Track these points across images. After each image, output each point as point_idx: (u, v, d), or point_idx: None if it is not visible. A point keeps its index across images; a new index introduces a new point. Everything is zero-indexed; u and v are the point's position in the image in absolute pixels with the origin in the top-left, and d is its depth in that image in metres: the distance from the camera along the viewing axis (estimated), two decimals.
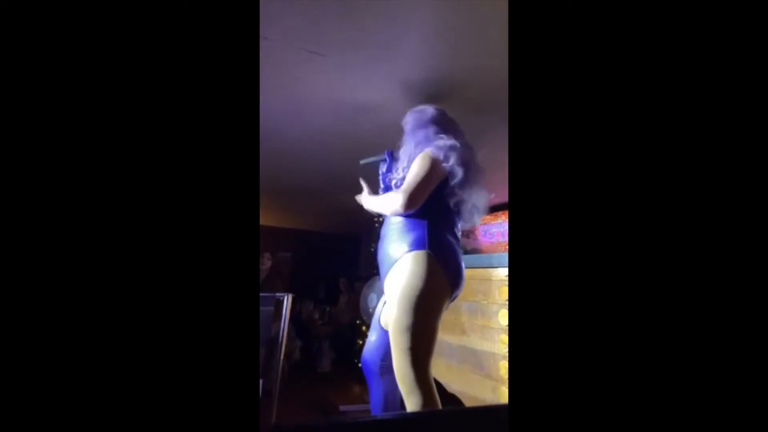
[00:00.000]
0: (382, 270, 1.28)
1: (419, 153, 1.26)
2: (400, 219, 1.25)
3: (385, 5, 1.04)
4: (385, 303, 1.35)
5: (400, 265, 1.20)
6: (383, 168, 1.40)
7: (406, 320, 1.13)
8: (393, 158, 1.39)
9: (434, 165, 1.22)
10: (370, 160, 1.38)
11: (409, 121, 1.39)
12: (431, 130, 1.33)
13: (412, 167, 1.23)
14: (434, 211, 1.25)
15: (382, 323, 1.35)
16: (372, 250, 1.38)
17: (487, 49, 1.22)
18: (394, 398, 1.32)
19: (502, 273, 1.82)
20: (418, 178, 1.19)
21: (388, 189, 1.39)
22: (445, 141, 1.27)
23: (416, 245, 1.20)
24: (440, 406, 1.15)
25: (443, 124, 1.36)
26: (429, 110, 1.39)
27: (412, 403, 1.12)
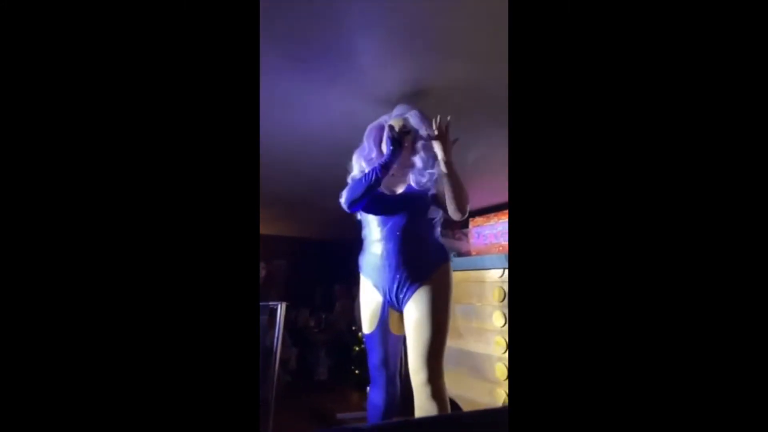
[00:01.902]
0: (402, 279, 1.25)
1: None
2: (417, 230, 1.29)
3: (375, 12, 1.04)
4: (389, 307, 1.32)
5: (436, 279, 1.25)
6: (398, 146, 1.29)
7: (437, 327, 1.21)
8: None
9: None
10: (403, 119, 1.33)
11: (425, 125, 1.35)
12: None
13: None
14: (436, 220, 1.36)
15: (392, 330, 1.34)
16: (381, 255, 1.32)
17: (477, 53, 1.23)
18: (395, 400, 1.35)
19: (496, 275, 1.83)
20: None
21: (391, 169, 1.30)
22: None
23: (446, 254, 1.33)
24: (447, 399, 1.21)
25: None
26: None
27: (426, 393, 1.17)
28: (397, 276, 1.25)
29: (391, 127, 1.30)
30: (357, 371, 3.16)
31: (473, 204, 3.08)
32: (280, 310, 2.03)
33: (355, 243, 1.44)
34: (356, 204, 1.31)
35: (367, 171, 1.29)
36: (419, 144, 1.34)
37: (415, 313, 1.22)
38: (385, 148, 1.31)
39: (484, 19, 1.06)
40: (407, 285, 1.24)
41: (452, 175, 1.26)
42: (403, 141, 1.29)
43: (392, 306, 1.31)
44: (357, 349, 3.25)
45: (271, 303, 2.06)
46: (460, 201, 1.27)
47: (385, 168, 1.26)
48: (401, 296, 1.26)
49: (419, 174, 1.33)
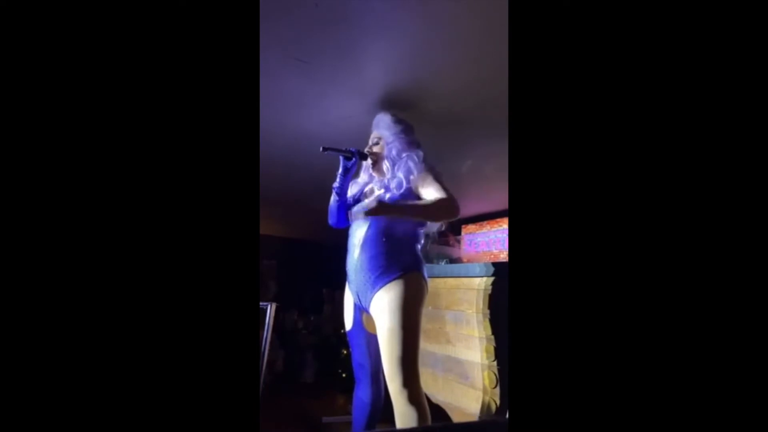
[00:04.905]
0: (365, 282, 1.30)
1: (422, 167, 1.33)
2: (388, 236, 1.29)
3: (376, 17, 1.05)
4: (361, 309, 1.37)
5: (396, 285, 1.24)
6: (346, 164, 1.38)
7: (403, 332, 1.20)
8: (360, 158, 1.40)
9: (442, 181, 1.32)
10: (334, 151, 1.34)
11: (397, 129, 1.41)
12: (415, 143, 1.40)
13: (430, 180, 1.30)
14: (419, 231, 1.35)
15: (368, 329, 1.38)
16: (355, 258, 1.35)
17: (475, 62, 1.24)
18: (380, 397, 1.38)
19: (486, 282, 1.83)
20: (444, 189, 1.27)
21: (346, 185, 1.41)
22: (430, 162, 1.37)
23: (411, 267, 1.28)
24: (426, 402, 1.21)
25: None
26: (409, 122, 1.44)
27: (403, 398, 1.17)
28: (360, 279, 1.30)
29: (327, 149, 1.34)
30: (344, 375, 3.15)
31: (466, 212, 3.10)
32: (270, 310, 2.01)
33: (345, 246, 1.45)
34: (336, 222, 1.45)
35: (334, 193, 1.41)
36: (384, 153, 1.40)
37: (379, 318, 1.25)
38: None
39: (483, 28, 1.08)
40: (368, 289, 1.28)
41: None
42: (349, 165, 1.36)
43: (360, 307, 1.36)
44: (345, 352, 3.24)
45: (260, 303, 2.05)
46: (430, 218, 1.28)
47: (338, 189, 1.39)
48: (363, 300, 1.31)
49: (385, 183, 1.37)
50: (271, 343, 2.07)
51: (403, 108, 1.50)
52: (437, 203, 1.23)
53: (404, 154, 1.34)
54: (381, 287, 1.25)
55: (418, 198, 1.31)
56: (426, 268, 1.35)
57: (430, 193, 1.27)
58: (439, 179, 1.30)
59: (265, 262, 4.58)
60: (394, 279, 1.25)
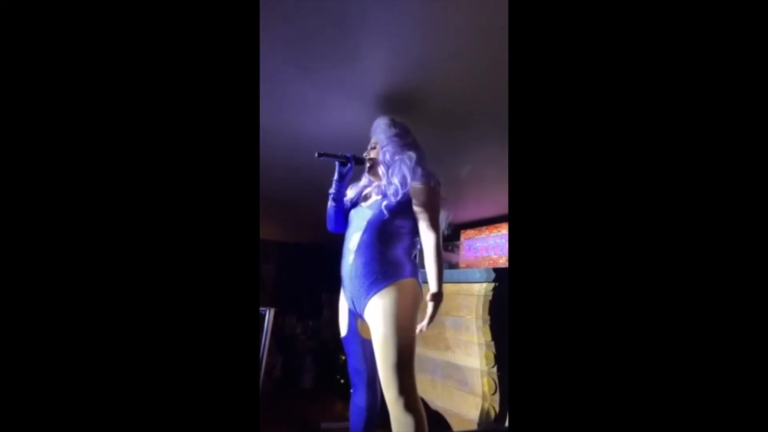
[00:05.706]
0: (359, 288, 1.29)
1: (417, 177, 1.31)
2: (383, 242, 1.28)
3: (371, 22, 1.06)
4: (356, 315, 1.36)
5: (390, 292, 1.23)
6: (342, 170, 1.40)
7: (398, 339, 1.19)
8: (356, 163, 1.41)
9: (439, 197, 1.34)
10: (329, 157, 1.36)
11: (391, 132, 1.40)
12: (414, 148, 1.39)
13: (426, 200, 1.30)
14: (415, 238, 1.34)
15: (363, 335, 1.37)
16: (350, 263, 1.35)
17: (476, 67, 1.25)
18: (376, 401, 1.37)
19: (486, 288, 1.83)
20: (437, 215, 1.31)
21: (342, 191, 1.44)
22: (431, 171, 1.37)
23: (405, 273, 1.28)
24: (423, 409, 1.20)
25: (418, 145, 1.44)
26: (406, 126, 1.44)
27: (400, 406, 1.17)
28: (354, 285, 1.29)
29: (323, 155, 1.37)
30: (342, 380, 3.13)
31: (465, 217, 3.11)
32: (268, 316, 2.01)
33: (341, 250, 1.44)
34: (334, 228, 1.47)
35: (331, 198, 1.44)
36: (379, 157, 1.39)
37: (373, 324, 1.24)
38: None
39: (484, 32, 1.08)
40: (362, 295, 1.27)
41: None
42: (344, 171, 1.40)
43: (355, 313, 1.35)
44: (343, 357, 3.22)
45: (259, 308, 2.04)
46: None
47: (335, 195, 1.42)
48: (358, 305, 1.30)
49: (382, 189, 1.36)
50: (269, 348, 2.06)
51: (403, 111, 1.50)
52: (437, 253, 1.27)
53: (397, 157, 1.34)
54: (375, 293, 1.24)
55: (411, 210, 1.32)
56: (422, 274, 1.34)
57: (423, 223, 1.29)
58: (432, 202, 1.30)
59: (263, 266, 4.57)
60: (389, 285, 1.24)
